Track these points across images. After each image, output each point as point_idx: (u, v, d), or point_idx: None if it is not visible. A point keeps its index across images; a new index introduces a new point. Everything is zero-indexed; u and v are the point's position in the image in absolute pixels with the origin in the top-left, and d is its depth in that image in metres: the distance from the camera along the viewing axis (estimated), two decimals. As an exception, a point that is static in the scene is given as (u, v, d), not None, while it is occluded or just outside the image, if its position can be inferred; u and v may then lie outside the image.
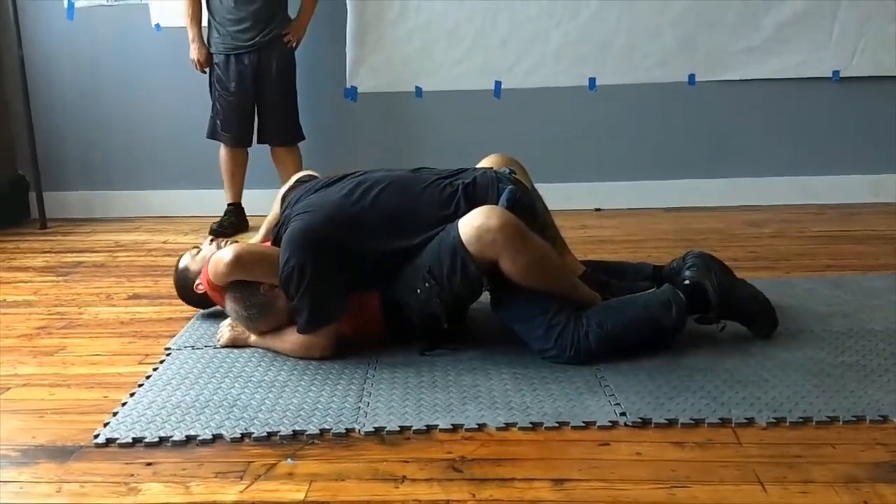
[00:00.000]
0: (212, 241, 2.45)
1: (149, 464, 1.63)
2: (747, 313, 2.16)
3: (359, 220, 2.13)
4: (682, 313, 2.08)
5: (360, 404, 1.86)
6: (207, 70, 3.82)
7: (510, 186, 2.15)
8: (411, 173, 2.28)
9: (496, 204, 2.08)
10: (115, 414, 1.85)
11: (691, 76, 4.08)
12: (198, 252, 2.43)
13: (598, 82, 4.10)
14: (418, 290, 2.08)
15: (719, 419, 1.73)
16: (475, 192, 2.16)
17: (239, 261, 2.11)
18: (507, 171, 2.26)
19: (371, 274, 2.14)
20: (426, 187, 2.18)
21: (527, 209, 2.14)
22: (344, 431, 1.74)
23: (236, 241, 2.46)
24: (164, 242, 3.73)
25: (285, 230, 2.14)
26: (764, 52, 4.03)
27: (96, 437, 1.74)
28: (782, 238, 3.46)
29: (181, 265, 2.46)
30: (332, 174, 2.33)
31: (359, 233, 2.11)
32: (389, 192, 2.17)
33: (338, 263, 2.09)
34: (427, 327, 2.15)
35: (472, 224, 1.99)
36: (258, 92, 3.78)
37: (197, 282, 2.38)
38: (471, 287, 2.08)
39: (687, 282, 2.15)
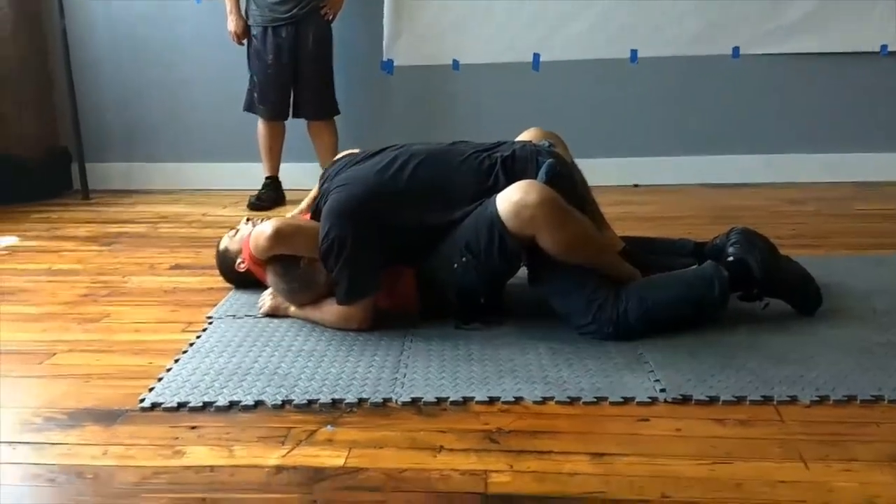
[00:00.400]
0: (248, 220, 2.48)
1: (193, 427, 1.67)
2: (791, 290, 2.13)
3: (396, 194, 2.13)
4: (725, 291, 2.05)
5: (396, 375, 1.88)
6: (245, 42, 3.83)
7: (549, 160, 2.13)
8: (449, 146, 2.27)
9: (535, 178, 2.07)
10: (159, 379, 1.89)
11: (735, 49, 4.00)
12: (235, 232, 2.47)
13: (639, 55, 4.04)
14: (455, 265, 2.08)
15: (761, 397, 1.72)
16: (514, 165, 2.14)
17: (279, 234, 2.12)
18: (546, 144, 2.24)
19: (409, 247, 2.14)
20: (464, 160, 2.17)
21: (566, 183, 2.12)
22: (381, 401, 1.76)
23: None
24: (203, 215, 3.78)
25: (325, 203, 2.15)
26: (809, 25, 3.94)
27: (142, 401, 1.78)
28: (824, 216, 3.41)
29: (221, 247, 2.50)
30: (370, 148, 2.33)
31: (396, 206, 2.11)
32: (427, 165, 2.17)
33: (376, 236, 2.09)
34: (463, 302, 2.15)
35: (511, 199, 1.97)
36: (295, 65, 3.79)
37: (238, 260, 2.42)
38: (508, 262, 2.08)
39: (730, 258, 2.12)
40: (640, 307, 2.02)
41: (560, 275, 2.06)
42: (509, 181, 2.06)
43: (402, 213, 2.11)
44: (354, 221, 2.08)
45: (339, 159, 2.40)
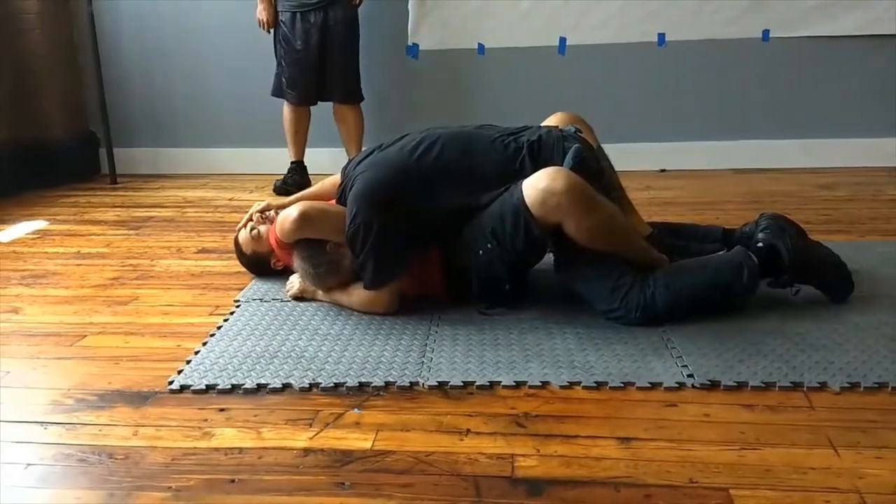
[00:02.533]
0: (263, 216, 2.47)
1: (222, 410, 1.68)
2: (822, 277, 2.10)
3: (423, 177, 2.12)
4: (754, 278, 2.03)
5: (423, 359, 1.88)
6: (273, 31, 3.84)
7: (576, 145, 2.11)
8: (474, 129, 2.25)
9: (561, 163, 2.05)
10: (188, 362, 1.91)
11: (765, 32, 3.94)
12: (258, 234, 2.45)
13: (667, 38, 3.99)
14: (480, 252, 2.07)
15: (791, 383, 1.70)
16: (540, 150, 2.12)
17: (305, 217, 2.13)
18: (573, 129, 2.23)
19: (434, 231, 2.14)
20: (490, 143, 2.16)
21: (593, 169, 2.11)
22: (408, 385, 1.76)
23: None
24: (230, 199, 3.80)
25: (350, 188, 2.15)
26: (843, 7, 3.85)
27: (171, 383, 1.80)
28: (856, 201, 3.35)
29: (251, 251, 2.49)
30: (394, 138, 2.32)
31: (422, 189, 2.11)
32: (452, 148, 2.15)
33: (402, 221, 2.09)
34: (487, 289, 2.15)
35: (537, 187, 1.96)
36: (323, 49, 3.79)
37: (273, 260, 2.45)
38: (533, 249, 2.07)
39: (760, 244, 2.09)
40: (667, 293, 2.00)
41: (586, 261, 2.04)
42: (535, 166, 2.05)
43: (427, 196, 2.10)
44: (381, 205, 2.08)
45: (362, 152, 2.38)
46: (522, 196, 1.97)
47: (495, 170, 2.11)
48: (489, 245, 2.05)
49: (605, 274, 2.03)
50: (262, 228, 2.44)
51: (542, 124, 2.33)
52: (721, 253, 2.14)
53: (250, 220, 2.47)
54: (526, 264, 2.20)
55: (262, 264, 2.48)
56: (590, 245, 2.00)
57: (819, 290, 2.12)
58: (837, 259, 2.12)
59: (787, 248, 2.05)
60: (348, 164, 2.32)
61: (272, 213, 2.43)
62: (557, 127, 2.26)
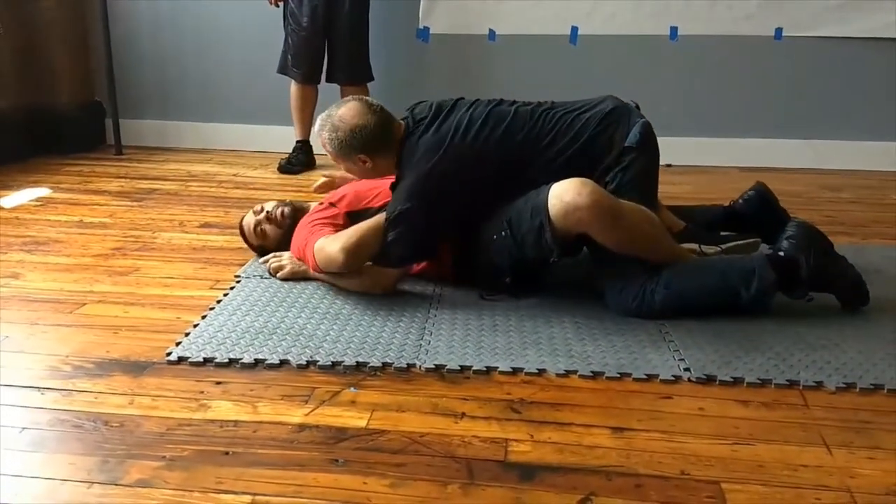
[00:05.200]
0: (268, 220, 2.43)
1: (218, 383, 1.69)
2: (839, 293, 2.05)
3: (483, 164, 2.09)
4: (766, 290, 1.98)
5: (421, 342, 1.88)
6: (281, 4, 3.82)
7: (643, 120, 2.10)
8: (536, 107, 2.19)
9: (627, 135, 2.05)
10: (187, 334, 1.91)
11: (778, 30, 3.91)
12: (261, 210, 2.45)
13: (679, 32, 3.97)
14: (494, 237, 2.07)
15: (787, 381, 1.70)
16: (608, 122, 2.10)
17: (349, 254, 2.07)
18: (634, 104, 2.20)
19: (479, 210, 2.12)
20: (553, 126, 2.11)
21: (653, 147, 2.12)
22: (405, 366, 1.77)
23: (290, 203, 2.47)
24: (234, 175, 3.80)
25: (409, 163, 2.11)
26: (855, 9, 3.83)
27: (168, 354, 1.81)
28: (860, 204, 3.34)
29: (244, 221, 2.49)
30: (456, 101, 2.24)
31: (481, 176, 2.09)
32: (513, 132, 2.11)
33: (453, 208, 2.09)
34: (488, 274, 2.15)
35: (563, 198, 1.93)
36: (330, 28, 3.77)
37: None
38: (540, 252, 2.02)
39: (782, 253, 2.02)
40: (666, 292, 1.99)
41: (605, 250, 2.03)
42: (599, 138, 2.07)
43: (485, 183, 2.09)
44: (434, 196, 2.06)
45: (429, 110, 2.23)
46: (547, 203, 1.95)
47: (557, 154, 2.09)
48: (503, 233, 2.04)
49: (619, 260, 2.01)
50: (268, 228, 2.42)
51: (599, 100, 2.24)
52: (735, 257, 2.10)
53: (263, 211, 2.43)
54: (529, 264, 2.13)
55: (262, 252, 2.47)
56: (614, 250, 1.99)
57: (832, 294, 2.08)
58: (858, 279, 2.05)
59: (809, 263, 1.98)
60: (413, 111, 2.22)
61: (279, 213, 2.40)
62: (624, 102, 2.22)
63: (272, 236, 2.42)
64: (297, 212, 2.43)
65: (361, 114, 2.14)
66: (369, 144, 2.13)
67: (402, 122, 2.20)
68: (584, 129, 2.10)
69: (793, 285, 2.00)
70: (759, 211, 2.41)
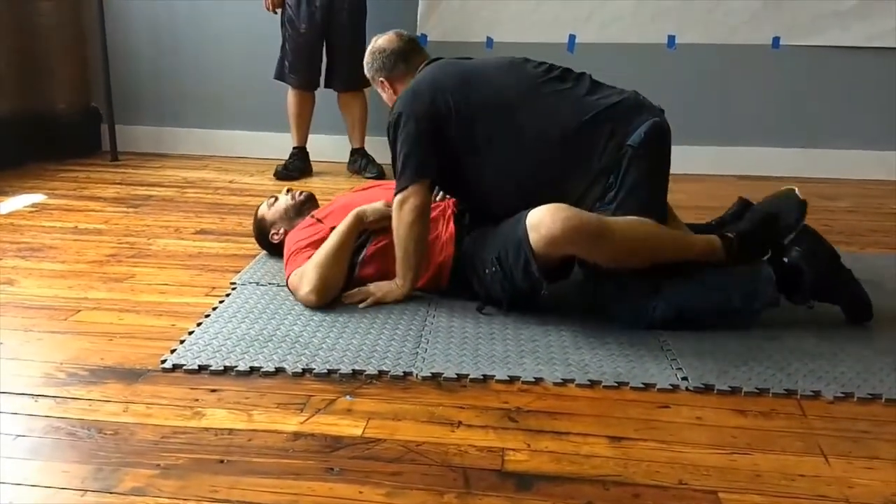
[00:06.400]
0: (288, 191, 2.50)
1: (213, 390, 1.68)
2: (841, 304, 2.05)
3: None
4: (768, 302, 1.97)
5: (417, 350, 1.87)
6: (279, 11, 3.82)
7: (653, 119, 2.06)
8: (549, 69, 2.24)
9: (634, 132, 2.01)
10: (181, 342, 1.90)
11: (776, 39, 3.92)
12: (274, 201, 2.49)
13: (677, 40, 3.98)
14: (486, 271, 2.06)
15: (784, 390, 1.69)
16: (615, 115, 2.08)
17: (320, 294, 2.10)
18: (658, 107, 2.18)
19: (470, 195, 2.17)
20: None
21: (664, 146, 2.09)
22: (402, 374, 1.76)
23: (311, 193, 2.51)
24: (230, 182, 3.79)
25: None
26: (855, 17, 3.85)
27: (163, 362, 1.79)
28: (857, 213, 3.35)
29: (258, 215, 2.53)
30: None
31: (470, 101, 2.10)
32: (518, 81, 2.16)
33: (440, 144, 2.09)
34: (487, 300, 2.13)
35: (539, 231, 1.89)
36: (327, 34, 3.77)
37: (272, 231, 2.46)
38: (530, 284, 1.98)
39: (786, 260, 2.01)
40: (668, 310, 1.97)
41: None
42: (587, 128, 2.03)
43: (478, 108, 2.11)
44: (421, 113, 2.09)
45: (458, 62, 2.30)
46: (526, 233, 1.91)
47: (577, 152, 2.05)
48: (494, 268, 2.03)
49: (614, 275, 1.99)
50: (281, 199, 2.47)
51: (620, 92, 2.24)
52: (740, 270, 2.02)
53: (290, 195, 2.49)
54: (523, 295, 2.06)
55: (263, 232, 2.49)
56: (612, 266, 1.95)
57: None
58: (861, 295, 2.04)
59: (813, 276, 1.97)
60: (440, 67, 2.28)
61: (298, 192, 2.48)
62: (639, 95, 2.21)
63: (276, 209, 2.46)
64: (310, 201, 2.48)
65: (388, 40, 2.33)
66: (386, 67, 2.30)
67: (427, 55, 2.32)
68: (573, 110, 2.06)
69: (796, 292, 2.00)
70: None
